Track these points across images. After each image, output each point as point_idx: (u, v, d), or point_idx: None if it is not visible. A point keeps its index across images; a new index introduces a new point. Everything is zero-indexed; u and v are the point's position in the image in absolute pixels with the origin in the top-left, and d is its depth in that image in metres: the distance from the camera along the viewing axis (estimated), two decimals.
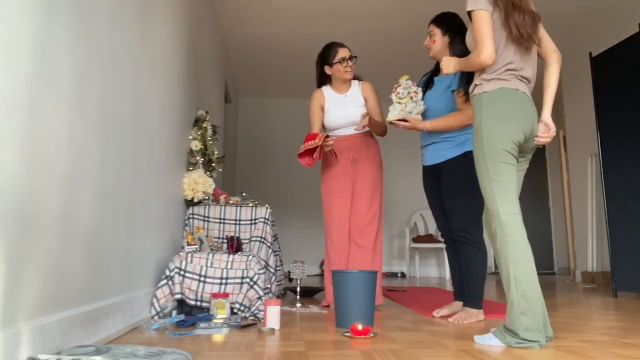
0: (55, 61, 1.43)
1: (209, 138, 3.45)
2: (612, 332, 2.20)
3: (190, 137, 3.32)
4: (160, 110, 2.59)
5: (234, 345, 1.82)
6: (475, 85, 2.06)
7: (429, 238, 6.81)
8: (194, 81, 3.51)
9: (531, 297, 1.83)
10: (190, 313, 2.48)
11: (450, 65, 2.24)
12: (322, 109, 3.19)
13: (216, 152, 3.60)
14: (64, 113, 1.49)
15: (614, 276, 3.96)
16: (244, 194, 3.53)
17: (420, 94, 2.63)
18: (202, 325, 2.11)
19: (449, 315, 2.62)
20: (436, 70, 2.83)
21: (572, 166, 6.02)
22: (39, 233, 1.34)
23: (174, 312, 2.48)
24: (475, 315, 2.51)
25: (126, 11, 2.06)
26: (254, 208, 3.14)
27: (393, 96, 2.66)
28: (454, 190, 2.61)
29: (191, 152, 3.28)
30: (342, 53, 3.09)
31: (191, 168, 3.23)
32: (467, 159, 2.57)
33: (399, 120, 2.61)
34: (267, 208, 3.13)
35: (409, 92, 2.61)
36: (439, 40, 2.70)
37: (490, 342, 1.88)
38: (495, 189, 1.92)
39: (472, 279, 2.57)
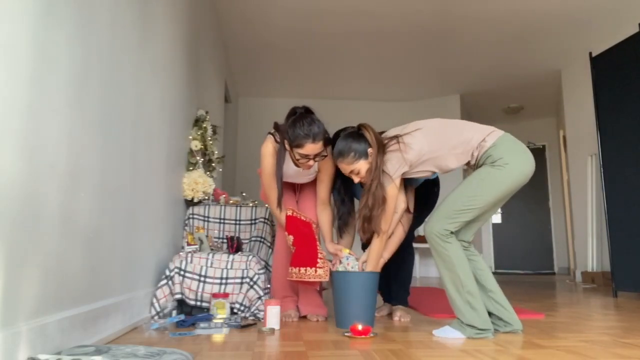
0: (55, 61, 1.43)
1: (209, 138, 3.46)
2: (612, 332, 2.20)
3: (190, 137, 3.32)
4: (160, 110, 2.59)
5: (234, 345, 1.82)
6: (476, 148, 2.08)
7: None
8: (194, 81, 3.51)
9: (475, 292, 2.03)
10: (190, 313, 2.48)
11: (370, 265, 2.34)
12: None
13: (216, 152, 3.60)
14: (64, 113, 1.48)
15: (614, 276, 3.96)
16: (244, 194, 3.53)
17: (355, 268, 2.39)
18: (202, 325, 2.11)
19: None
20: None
21: (572, 166, 6.02)
22: (39, 233, 1.34)
23: (174, 312, 2.49)
24: (408, 312, 2.65)
25: (126, 11, 2.06)
26: (254, 208, 3.14)
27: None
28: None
29: (191, 152, 3.28)
30: (308, 150, 2.30)
31: (191, 168, 3.23)
32: None
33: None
34: (267, 208, 3.13)
35: (345, 268, 2.39)
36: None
37: (451, 334, 2.02)
38: (460, 210, 2.05)
39: (406, 278, 2.71)
